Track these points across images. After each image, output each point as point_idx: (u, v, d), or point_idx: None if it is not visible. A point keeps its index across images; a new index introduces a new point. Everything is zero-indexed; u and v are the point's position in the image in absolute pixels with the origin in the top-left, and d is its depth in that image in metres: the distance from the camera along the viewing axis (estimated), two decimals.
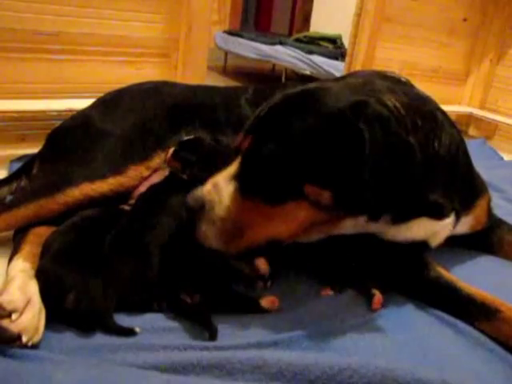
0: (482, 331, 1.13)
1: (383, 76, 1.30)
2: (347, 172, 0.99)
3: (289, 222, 1.05)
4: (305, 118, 1.01)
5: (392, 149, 0.98)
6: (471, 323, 1.14)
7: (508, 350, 1.08)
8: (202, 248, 1.07)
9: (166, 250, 1.17)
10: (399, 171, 0.99)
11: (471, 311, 1.15)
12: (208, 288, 1.11)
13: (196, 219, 1.03)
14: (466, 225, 1.42)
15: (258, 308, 1.12)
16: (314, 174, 1.00)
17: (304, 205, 1.02)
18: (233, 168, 1.05)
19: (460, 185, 1.26)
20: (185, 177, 1.44)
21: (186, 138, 1.52)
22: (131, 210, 1.33)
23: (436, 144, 1.15)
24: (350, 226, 1.13)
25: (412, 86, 1.32)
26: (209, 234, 1.04)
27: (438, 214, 1.21)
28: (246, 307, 1.13)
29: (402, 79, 1.34)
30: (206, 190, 1.03)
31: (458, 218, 1.30)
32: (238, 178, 1.04)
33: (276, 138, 1.01)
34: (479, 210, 1.44)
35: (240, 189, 1.03)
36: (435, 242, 1.29)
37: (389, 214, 1.11)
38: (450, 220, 1.26)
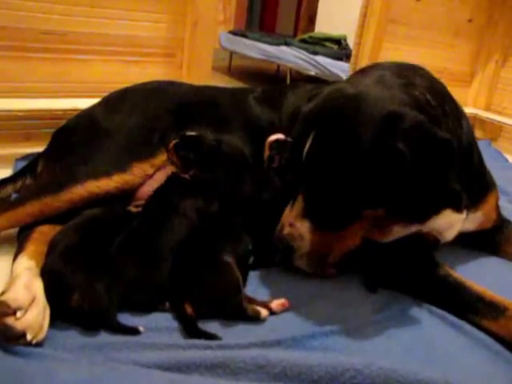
0: (488, 330, 1.13)
1: (406, 66, 1.31)
2: (397, 189, 1.06)
3: (354, 238, 1.19)
4: (349, 152, 1.06)
5: (433, 153, 1.04)
6: (478, 322, 1.15)
7: None
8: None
9: (176, 254, 1.18)
10: (443, 170, 1.06)
11: (479, 309, 1.15)
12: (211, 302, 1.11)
13: (288, 257, 1.21)
14: (474, 222, 1.43)
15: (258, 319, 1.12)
16: (369, 201, 1.11)
17: (364, 223, 1.16)
18: (299, 206, 1.18)
19: (474, 176, 1.27)
20: (187, 177, 1.45)
21: (188, 132, 1.52)
22: (143, 213, 1.34)
23: (459, 130, 1.24)
24: (399, 229, 1.21)
25: (428, 72, 1.34)
26: (301, 265, 1.23)
27: (458, 205, 1.23)
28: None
29: (419, 66, 1.35)
30: (288, 232, 1.18)
31: (467, 210, 1.31)
32: (307, 215, 1.17)
33: (330, 174, 1.08)
34: (489, 205, 1.46)
35: (313, 225, 1.17)
36: (450, 235, 1.31)
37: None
38: (464, 213, 1.28)
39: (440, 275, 1.24)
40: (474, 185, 1.33)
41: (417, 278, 1.26)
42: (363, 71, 1.32)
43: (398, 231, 1.22)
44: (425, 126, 1.06)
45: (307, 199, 1.16)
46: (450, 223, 1.29)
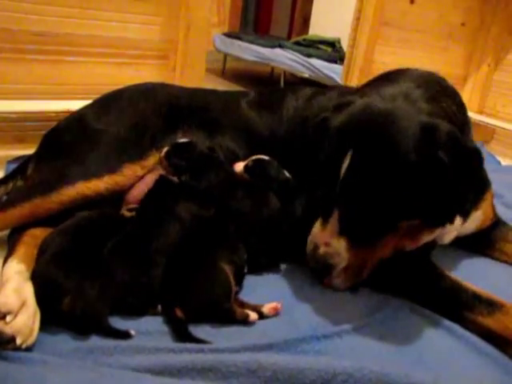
0: (483, 327, 1.14)
1: (429, 77, 1.33)
2: (436, 198, 1.09)
3: (388, 249, 1.21)
4: (391, 167, 1.07)
5: (466, 162, 1.09)
6: (474, 319, 1.16)
7: (508, 347, 1.10)
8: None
9: (170, 258, 1.18)
10: (473, 177, 1.13)
11: (476, 306, 1.17)
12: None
13: (326, 275, 1.22)
14: (475, 221, 1.47)
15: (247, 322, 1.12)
16: (408, 212, 1.12)
17: (397, 233, 1.18)
18: (334, 224, 1.17)
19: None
20: (176, 179, 1.44)
21: (180, 140, 1.52)
22: (137, 216, 1.33)
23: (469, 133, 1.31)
24: (426, 235, 1.24)
25: (448, 82, 1.37)
26: (339, 283, 1.23)
27: (467, 207, 1.27)
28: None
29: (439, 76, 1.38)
30: (324, 251, 1.19)
31: (467, 215, 1.34)
32: (343, 232, 1.17)
33: (370, 191, 1.09)
34: (487, 203, 1.49)
35: (349, 241, 1.17)
36: (449, 238, 1.35)
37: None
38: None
39: (436, 275, 1.25)
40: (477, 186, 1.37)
41: (413, 279, 1.27)
42: (384, 79, 1.33)
43: (426, 237, 1.24)
44: (457, 136, 1.11)
45: (343, 217, 1.15)
46: (453, 227, 1.30)
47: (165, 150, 1.50)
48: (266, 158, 1.53)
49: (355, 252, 1.18)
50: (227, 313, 1.09)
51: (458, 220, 1.28)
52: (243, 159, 1.55)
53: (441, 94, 1.25)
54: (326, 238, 1.18)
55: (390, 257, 1.23)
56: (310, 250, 1.22)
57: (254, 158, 1.53)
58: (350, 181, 1.11)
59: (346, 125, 1.15)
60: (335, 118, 1.19)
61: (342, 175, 1.11)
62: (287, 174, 1.51)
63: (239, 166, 1.53)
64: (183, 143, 1.51)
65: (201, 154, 1.50)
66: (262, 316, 1.13)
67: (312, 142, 1.27)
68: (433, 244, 1.33)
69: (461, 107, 1.30)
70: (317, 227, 1.22)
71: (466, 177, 1.10)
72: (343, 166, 1.10)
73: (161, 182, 1.42)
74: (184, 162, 1.47)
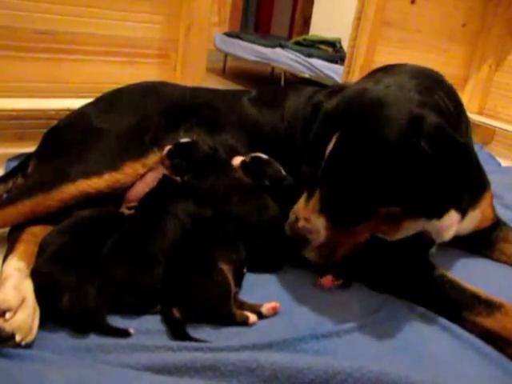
0: (482, 327, 1.14)
1: (424, 71, 1.33)
2: (416, 186, 1.09)
3: (365, 234, 1.22)
4: (374, 151, 1.08)
5: (451, 155, 1.09)
6: (473, 319, 1.16)
7: (507, 348, 1.10)
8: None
9: (169, 258, 1.18)
10: (459, 171, 1.11)
11: (475, 306, 1.17)
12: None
13: (300, 247, 1.24)
14: (473, 221, 1.47)
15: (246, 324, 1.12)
16: (387, 198, 1.13)
17: (377, 219, 1.18)
18: (316, 202, 1.19)
19: (473, 176, 1.33)
20: (178, 179, 1.44)
21: (182, 140, 1.53)
22: (135, 215, 1.33)
23: (465, 131, 1.31)
24: (408, 226, 1.23)
25: (444, 78, 1.37)
26: (311, 257, 1.24)
27: (462, 204, 1.28)
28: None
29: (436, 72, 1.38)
30: (303, 225, 1.21)
31: (464, 213, 1.35)
32: (324, 211, 1.19)
33: (352, 174, 1.10)
34: (486, 203, 1.50)
35: (328, 221, 1.19)
36: (448, 236, 1.34)
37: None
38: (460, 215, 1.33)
39: (435, 275, 1.26)
40: (473, 184, 1.37)
41: (411, 278, 1.27)
42: (381, 71, 1.33)
43: (407, 228, 1.24)
44: (445, 128, 1.11)
45: (325, 196, 1.17)
46: (450, 224, 1.31)
47: (167, 148, 1.50)
48: (264, 156, 1.53)
49: (332, 232, 1.19)
50: (226, 315, 1.09)
51: (454, 217, 1.30)
52: (244, 155, 1.56)
53: (435, 88, 1.24)
54: (307, 214, 1.20)
55: (366, 242, 1.23)
56: (290, 221, 1.24)
57: (253, 155, 1.54)
58: (332, 161, 1.12)
59: (335, 108, 1.17)
60: (327, 102, 1.21)
61: (326, 156, 1.12)
62: (283, 173, 1.52)
63: (237, 160, 1.53)
64: (186, 143, 1.52)
65: (203, 155, 1.50)
66: (260, 316, 1.13)
67: (307, 125, 1.29)
68: (431, 242, 1.33)
69: (456, 103, 1.29)
70: (301, 201, 1.24)
71: (453, 171, 1.10)
72: (328, 147, 1.12)
73: (164, 181, 1.42)
74: (186, 162, 1.47)
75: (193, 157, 1.49)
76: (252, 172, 1.51)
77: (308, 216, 1.20)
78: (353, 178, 1.10)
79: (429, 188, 1.10)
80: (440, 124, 1.10)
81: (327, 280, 1.28)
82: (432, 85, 1.24)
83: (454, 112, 1.24)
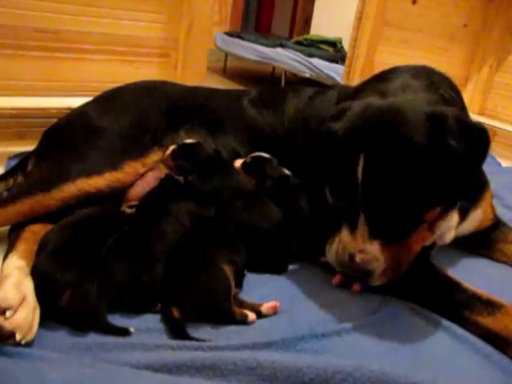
0: (482, 327, 1.14)
1: (421, 69, 1.34)
2: (453, 184, 1.11)
3: (419, 242, 1.21)
4: (407, 162, 1.07)
5: (476, 143, 1.11)
6: (474, 318, 1.16)
7: (507, 348, 1.10)
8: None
9: (170, 258, 1.18)
10: (484, 157, 1.16)
11: (476, 306, 1.17)
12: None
13: (368, 281, 1.20)
14: (474, 221, 1.48)
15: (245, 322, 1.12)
16: (431, 201, 1.13)
17: (424, 225, 1.17)
18: (364, 229, 1.15)
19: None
20: (181, 179, 1.44)
21: (187, 140, 1.52)
22: (136, 214, 1.33)
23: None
24: (441, 224, 1.24)
25: (440, 71, 1.38)
26: (380, 283, 1.20)
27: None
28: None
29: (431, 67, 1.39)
30: (361, 259, 1.16)
31: (465, 213, 1.38)
32: (374, 236, 1.15)
33: (391, 189, 1.09)
34: (486, 203, 1.50)
35: (382, 243, 1.16)
36: (449, 238, 1.36)
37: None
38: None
39: (436, 275, 1.26)
40: (475, 183, 1.39)
41: (412, 278, 1.27)
42: (378, 79, 1.33)
43: (440, 227, 1.25)
44: (464, 119, 1.13)
45: (372, 220, 1.14)
46: (452, 225, 1.33)
47: (171, 148, 1.50)
48: (265, 155, 1.53)
49: (390, 252, 1.16)
50: (226, 314, 1.09)
51: (455, 218, 1.32)
52: (245, 156, 1.56)
53: (436, 82, 1.25)
54: (360, 246, 1.16)
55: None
56: (344, 261, 1.19)
57: (253, 154, 1.54)
58: (369, 183, 1.10)
59: (351, 130, 1.14)
60: (338, 125, 1.17)
61: (361, 180, 1.10)
62: (287, 172, 1.51)
63: (238, 163, 1.53)
64: (190, 144, 1.51)
65: (208, 157, 1.50)
66: (260, 315, 1.13)
67: (316, 152, 1.27)
68: (432, 244, 1.33)
69: (456, 92, 1.31)
70: (345, 236, 1.19)
71: (477, 156, 1.14)
72: (358, 171, 1.09)
73: (166, 181, 1.42)
74: (190, 163, 1.47)
75: (197, 158, 1.48)
76: (254, 172, 1.50)
77: (362, 247, 1.16)
78: (394, 192, 1.09)
79: (464, 182, 1.13)
80: (458, 115, 1.12)
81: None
82: (433, 80, 1.25)
83: (458, 100, 1.27)
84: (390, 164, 1.07)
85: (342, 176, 1.14)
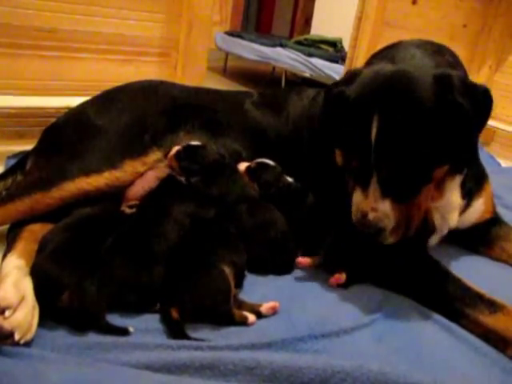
0: (483, 326, 1.14)
1: (423, 41, 1.40)
2: (461, 140, 1.17)
3: (427, 201, 1.26)
4: (414, 122, 1.13)
5: (480, 102, 1.17)
6: (475, 317, 1.16)
7: (507, 348, 1.10)
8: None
9: (170, 258, 1.18)
10: (487, 116, 1.22)
11: (478, 305, 1.17)
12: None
13: (378, 237, 1.22)
14: (476, 211, 1.51)
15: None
16: (441, 158, 1.19)
17: (432, 184, 1.24)
18: (375, 189, 1.19)
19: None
20: (183, 180, 1.44)
21: (193, 142, 1.52)
22: (137, 215, 1.33)
23: None
24: (449, 185, 1.33)
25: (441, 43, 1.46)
26: (390, 242, 1.23)
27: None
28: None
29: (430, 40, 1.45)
30: (373, 217, 1.19)
31: (470, 199, 1.44)
32: (386, 194, 1.19)
33: (403, 149, 1.14)
34: (487, 193, 1.54)
35: (393, 201, 1.20)
36: (452, 221, 1.41)
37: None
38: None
39: (439, 271, 1.27)
40: (478, 170, 1.47)
41: (414, 274, 1.28)
42: (385, 52, 1.38)
43: (449, 189, 1.34)
44: (467, 80, 1.21)
45: (384, 179, 1.18)
46: (455, 206, 1.39)
47: (175, 149, 1.49)
48: (270, 162, 1.53)
49: (400, 210, 1.20)
50: (226, 315, 1.09)
51: (459, 200, 1.40)
52: (247, 160, 1.55)
53: (440, 50, 1.34)
54: (372, 204, 1.20)
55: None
56: (357, 218, 1.23)
57: (257, 160, 1.53)
58: (383, 144, 1.14)
59: (364, 93, 1.19)
60: (349, 89, 1.22)
61: (374, 140, 1.14)
62: (289, 179, 1.52)
63: (242, 166, 1.53)
64: (196, 146, 1.51)
65: (213, 160, 1.50)
66: (260, 315, 1.13)
67: (329, 115, 1.30)
68: (432, 231, 1.36)
69: (458, 60, 1.38)
70: (358, 196, 1.23)
71: (481, 113, 1.19)
72: (372, 132, 1.13)
73: (168, 181, 1.41)
74: (195, 166, 1.46)
75: (202, 161, 1.48)
76: (258, 178, 1.51)
77: (374, 206, 1.20)
78: (406, 152, 1.13)
79: (470, 138, 1.20)
80: (462, 76, 1.19)
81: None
82: (436, 49, 1.34)
83: (462, 67, 1.35)
84: (402, 124, 1.13)
85: (355, 137, 1.18)
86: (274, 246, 1.34)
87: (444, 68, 1.21)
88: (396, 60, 1.24)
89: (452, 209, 1.40)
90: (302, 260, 1.32)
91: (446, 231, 1.43)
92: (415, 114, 1.12)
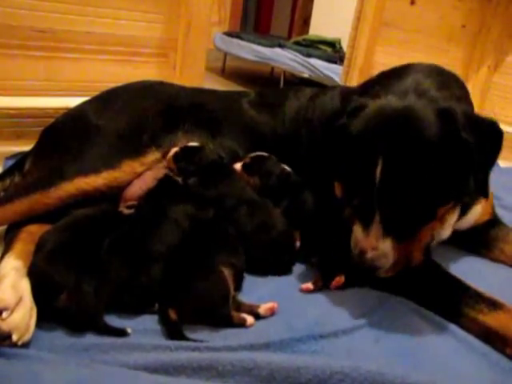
0: (482, 325, 1.14)
1: (432, 68, 1.37)
2: (465, 178, 1.16)
3: (428, 235, 1.25)
4: (419, 162, 1.11)
5: (487, 137, 1.15)
6: (474, 316, 1.16)
7: (506, 347, 1.10)
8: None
9: (169, 260, 1.17)
10: (497, 151, 1.20)
11: (477, 304, 1.17)
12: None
13: (375, 274, 1.21)
14: (474, 214, 1.50)
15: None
16: (446, 196, 1.18)
17: (436, 219, 1.22)
18: (378, 227, 1.17)
19: None
20: (180, 180, 1.44)
21: (191, 144, 1.52)
22: (135, 215, 1.33)
23: None
24: (450, 217, 1.32)
25: (450, 70, 1.42)
26: (388, 275, 1.21)
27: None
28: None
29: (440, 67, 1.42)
30: (371, 256, 1.18)
31: (466, 208, 1.43)
32: (387, 233, 1.17)
33: (408, 189, 1.12)
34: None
35: (394, 240, 1.17)
36: (448, 232, 1.40)
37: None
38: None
39: (437, 272, 1.27)
40: None
41: (413, 274, 1.27)
42: (391, 76, 1.35)
43: (450, 220, 1.32)
44: (472, 114, 1.19)
45: (386, 219, 1.16)
46: (450, 221, 1.36)
47: (173, 150, 1.50)
48: (263, 154, 1.53)
49: (401, 248, 1.19)
50: (224, 318, 1.09)
51: (454, 213, 1.35)
52: (242, 158, 1.56)
53: (449, 82, 1.30)
54: (373, 243, 1.18)
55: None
56: (356, 254, 1.21)
57: (252, 155, 1.54)
58: (387, 184, 1.12)
59: (369, 130, 1.16)
60: (354, 124, 1.20)
61: (379, 180, 1.12)
62: (288, 168, 1.51)
63: (238, 165, 1.53)
64: (193, 147, 1.51)
65: (211, 161, 1.50)
66: (258, 316, 1.12)
67: (330, 147, 1.28)
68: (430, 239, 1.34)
69: (464, 89, 1.36)
70: (359, 233, 1.21)
71: (490, 149, 1.17)
72: (376, 172, 1.12)
73: (165, 181, 1.41)
74: (193, 167, 1.46)
75: (200, 161, 1.48)
76: (256, 171, 1.50)
77: (375, 245, 1.17)
78: (412, 192, 1.12)
79: (476, 175, 1.17)
80: (467, 111, 1.17)
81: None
82: (445, 80, 1.30)
83: (469, 100, 1.32)
84: (407, 165, 1.11)
85: (359, 175, 1.17)
86: (275, 247, 1.34)
87: (449, 103, 1.19)
88: (402, 91, 1.22)
89: (449, 224, 1.38)
90: (305, 287, 1.28)
91: (442, 238, 1.42)
92: (420, 155, 1.10)
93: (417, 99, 1.18)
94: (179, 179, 1.46)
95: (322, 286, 1.27)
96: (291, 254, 1.37)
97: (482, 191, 1.24)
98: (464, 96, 1.31)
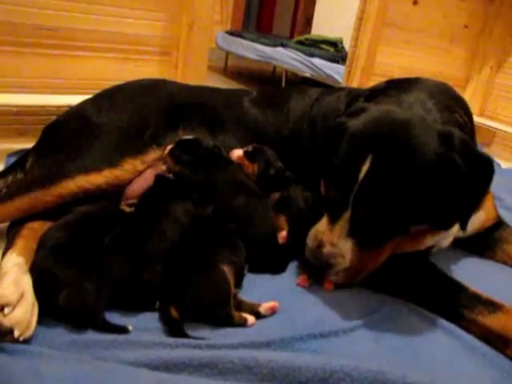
0: (481, 326, 1.15)
1: (440, 87, 1.37)
2: (446, 203, 1.13)
3: (388, 252, 1.22)
4: (406, 172, 1.10)
5: (478, 168, 1.14)
6: (473, 317, 1.16)
7: (506, 348, 1.10)
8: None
9: (170, 257, 1.18)
10: (486, 184, 1.19)
11: (476, 305, 1.17)
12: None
13: (324, 273, 1.21)
14: (478, 221, 1.49)
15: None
16: (423, 215, 1.15)
17: (405, 237, 1.20)
18: (344, 225, 1.16)
19: None
20: (171, 176, 1.44)
21: (184, 137, 1.53)
22: (134, 213, 1.33)
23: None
24: (429, 238, 1.29)
25: (457, 92, 1.42)
26: (335, 279, 1.22)
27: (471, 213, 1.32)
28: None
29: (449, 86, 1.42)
30: (328, 251, 1.17)
31: None
32: (351, 235, 1.16)
33: (388, 196, 1.10)
34: (488, 203, 1.52)
35: (355, 244, 1.16)
36: (447, 243, 1.39)
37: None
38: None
39: (436, 274, 1.27)
40: None
41: (412, 278, 1.28)
42: (398, 88, 1.35)
43: (428, 241, 1.28)
44: (470, 143, 1.17)
45: (357, 219, 1.15)
46: (451, 232, 1.35)
47: (169, 147, 1.50)
48: (264, 147, 1.55)
49: (359, 254, 1.17)
50: (225, 318, 1.09)
51: (456, 226, 1.32)
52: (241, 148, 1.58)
53: (453, 105, 1.30)
54: (334, 239, 1.17)
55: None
56: (312, 246, 1.20)
57: (254, 145, 1.56)
58: (369, 184, 1.11)
59: (366, 130, 1.16)
60: (351, 123, 1.19)
61: (361, 178, 1.11)
62: (281, 164, 1.54)
63: (238, 152, 1.54)
64: (188, 140, 1.51)
65: (206, 150, 1.50)
66: (259, 315, 1.12)
67: (326, 144, 1.27)
68: (431, 246, 1.34)
69: (470, 117, 1.35)
70: (323, 225, 1.20)
71: (479, 184, 1.16)
72: (362, 170, 1.11)
73: (158, 180, 1.41)
74: (189, 157, 1.46)
75: (196, 151, 1.48)
76: (258, 159, 1.52)
77: (335, 241, 1.17)
78: (390, 199, 1.10)
79: (458, 202, 1.13)
80: (466, 139, 1.15)
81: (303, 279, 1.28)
82: (449, 102, 1.30)
83: (470, 126, 1.31)
84: (394, 171, 1.10)
85: (344, 169, 1.15)
86: (269, 243, 1.34)
87: (450, 126, 1.18)
88: (406, 105, 1.23)
89: (447, 234, 1.37)
90: (302, 282, 1.28)
91: (442, 247, 1.42)
92: (410, 168, 1.09)
93: (419, 116, 1.18)
94: (170, 175, 1.45)
95: (313, 281, 1.27)
96: (285, 251, 1.36)
97: (462, 223, 1.22)
98: (466, 123, 1.30)
